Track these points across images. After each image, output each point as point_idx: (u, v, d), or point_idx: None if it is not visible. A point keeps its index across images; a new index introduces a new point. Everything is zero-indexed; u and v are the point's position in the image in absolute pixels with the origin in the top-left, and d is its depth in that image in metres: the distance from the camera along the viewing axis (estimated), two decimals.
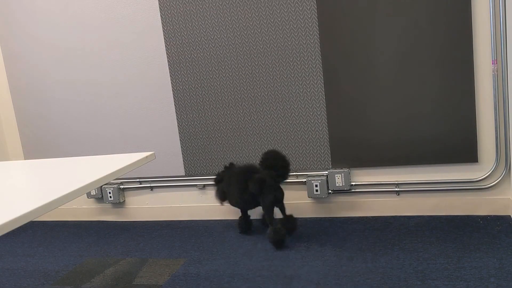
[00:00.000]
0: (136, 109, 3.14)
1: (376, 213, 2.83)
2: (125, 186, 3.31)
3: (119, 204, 3.37)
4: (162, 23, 2.96)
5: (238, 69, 2.87)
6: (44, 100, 3.36)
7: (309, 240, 2.60)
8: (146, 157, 1.75)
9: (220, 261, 2.47)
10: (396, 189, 2.76)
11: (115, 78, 3.14)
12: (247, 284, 2.18)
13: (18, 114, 3.47)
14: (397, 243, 2.41)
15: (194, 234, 2.92)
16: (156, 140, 3.15)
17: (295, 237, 2.66)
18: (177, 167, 3.13)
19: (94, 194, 3.36)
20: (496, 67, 2.47)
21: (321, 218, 2.91)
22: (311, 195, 2.87)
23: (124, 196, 3.35)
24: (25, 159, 3.53)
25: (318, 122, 2.80)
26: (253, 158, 2.95)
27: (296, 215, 2.98)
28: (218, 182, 2.85)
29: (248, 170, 2.64)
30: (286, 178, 2.60)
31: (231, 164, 2.81)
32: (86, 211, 3.48)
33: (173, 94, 3.03)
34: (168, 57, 2.99)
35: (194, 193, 3.16)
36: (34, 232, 3.36)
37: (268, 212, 2.55)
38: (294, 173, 2.92)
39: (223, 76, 2.91)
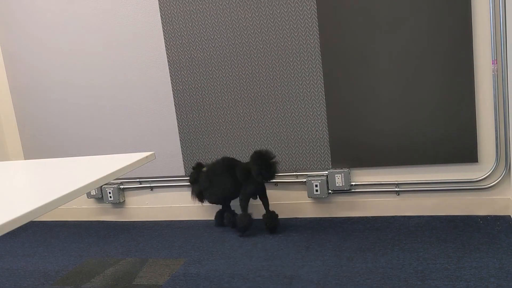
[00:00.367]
0: (136, 109, 3.14)
1: (376, 213, 2.83)
2: (125, 186, 3.31)
3: (119, 204, 3.37)
4: (162, 23, 2.96)
5: (238, 69, 2.87)
6: (44, 100, 3.36)
7: (309, 240, 2.60)
8: (146, 157, 1.75)
9: (220, 261, 2.47)
10: (396, 189, 2.76)
11: (115, 78, 3.14)
12: (247, 284, 2.18)
13: (18, 114, 3.47)
14: (397, 243, 2.41)
15: (194, 234, 2.92)
16: (156, 140, 3.15)
17: (295, 237, 2.66)
18: (177, 167, 3.13)
19: (94, 194, 3.36)
20: (496, 67, 2.47)
21: (321, 218, 2.91)
22: (311, 195, 2.87)
23: (124, 196, 3.35)
24: (25, 159, 3.53)
25: (318, 122, 2.80)
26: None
27: (296, 215, 2.98)
28: (192, 183, 2.91)
29: (233, 160, 2.78)
30: (273, 177, 2.66)
31: (199, 164, 2.90)
32: (86, 211, 3.48)
33: (173, 94, 3.03)
34: (168, 57, 2.99)
35: None
36: (34, 232, 3.36)
37: (245, 199, 2.72)
38: (294, 173, 2.92)
39: (223, 76, 2.91)
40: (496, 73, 2.48)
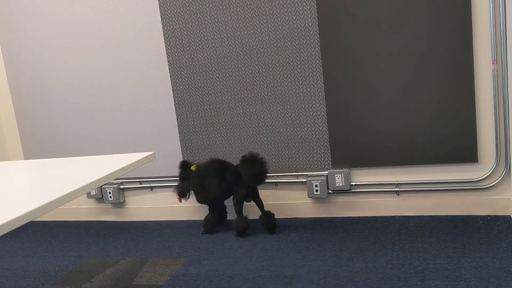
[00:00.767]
0: (136, 109, 3.14)
1: (376, 213, 2.83)
2: (125, 186, 3.31)
3: (119, 204, 3.37)
4: (162, 23, 2.96)
5: (238, 69, 2.87)
6: (44, 100, 3.36)
7: (309, 240, 2.60)
8: (146, 157, 1.75)
9: (220, 261, 2.47)
10: (396, 189, 2.76)
11: (115, 78, 3.14)
12: (247, 284, 2.18)
13: (18, 114, 3.47)
14: (397, 243, 2.41)
15: (194, 234, 2.92)
16: (156, 140, 3.15)
17: (295, 237, 2.66)
18: (177, 167, 3.13)
19: (94, 194, 3.36)
20: (496, 67, 2.47)
21: (321, 218, 2.91)
22: (311, 195, 2.87)
23: (124, 196, 3.35)
24: (25, 159, 3.53)
25: (318, 122, 2.80)
26: None
27: (296, 215, 2.98)
28: (183, 178, 2.91)
29: (223, 163, 2.80)
30: (263, 180, 2.68)
31: (185, 162, 2.91)
32: (86, 211, 3.48)
33: (173, 94, 3.03)
34: (168, 57, 2.99)
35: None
36: (34, 232, 3.36)
37: (239, 203, 2.74)
38: (294, 173, 2.92)
39: (223, 76, 2.91)
40: (496, 73, 2.48)
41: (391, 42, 2.59)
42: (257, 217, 2.94)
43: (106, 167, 1.61)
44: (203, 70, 2.94)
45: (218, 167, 2.79)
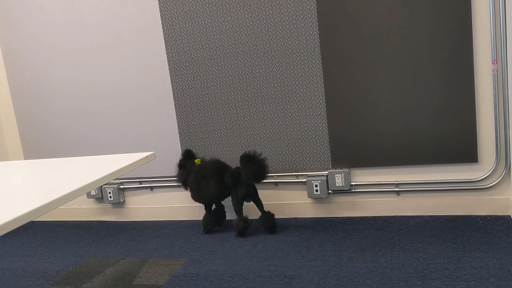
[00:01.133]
0: (136, 109, 3.14)
1: (376, 213, 2.83)
2: (125, 186, 3.31)
3: (119, 204, 3.37)
4: (162, 23, 2.96)
5: (238, 69, 2.87)
6: (44, 100, 3.36)
7: (309, 240, 2.60)
8: (146, 157, 1.75)
9: (220, 261, 2.47)
10: (396, 189, 2.76)
11: (115, 78, 3.14)
12: (247, 284, 2.18)
13: (18, 114, 3.47)
14: (397, 243, 2.41)
15: (194, 234, 2.92)
16: (156, 140, 3.15)
17: (295, 237, 2.66)
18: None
19: (94, 194, 3.36)
20: (496, 67, 2.47)
21: (321, 218, 2.91)
22: (311, 195, 2.87)
23: (124, 196, 3.35)
24: (25, 159, 3.53)
25: (318, 122, 2.80)
26: None
27: (296, 215, 2.98)
28: (180, 166, 2.93)
29: (223, 165, 2.80)
30: (264, 176, 2.69)
31: (189, 152, 2.94)
32: (86, 211, 3.48)
33: (173, 94, 3.03)
34: (168, 57, 2.99)
35: None
36: (34, 232, 3.36)
37: (238, 204, 2.74)
38: (294, 173, 2.92)
39: (223, 76, 2.91)
40: (496, 73, 2.48)
41: (391, 42, 2.59)
42: (257, 218, 2.94)
43: (106, 167, 1.61)
44: (203, 70, 2.94)
45: (217, 168, 2.79)
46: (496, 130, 2.53)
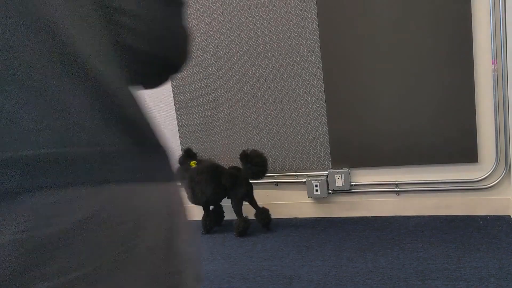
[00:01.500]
0: None
1: (376, 213, 2.83)
2: None
3: None
4: None
5: (238, 69, 2.87)
6: None
7: (309, 240, 2.60)
8: None
9: (220, 261, 2.47)
10: (396, 189, 2.76)
11: None
12: (247, 284, 2.17)
13: None
14: (397, 243, 2.41)
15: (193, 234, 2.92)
16: None
17: (295, 237, 2.66)
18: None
19: None
20: (496, 67, 2.47)
21: (321, 218, 2.91)
22: (311, 195, 2.87)
23: None
24: None
25: (318, 122, 2.80)
26: None
27: (296, 215, 2.98)
28: (180, 163, 2.97)
29: (219, 167, 2.81)
30: (264, 174, 2.71)
31: (188, 151, 2.96)
32: None
33: (173, 94, 3.03)
34: None
35: None
36: None
37: (238, 205, 2.76)
38: (294, 173, 2.92)
39: (223, 76, 2.91)
40: (496, 73, 2.48)
41: (391, 42, 2.59)
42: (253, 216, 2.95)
43: None
44: (203, 70, 2.94)
45: (211, 173, 2.78)
46: (496, 130, 2.53)
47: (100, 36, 0.60)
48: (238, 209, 2.77)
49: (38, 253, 0.50)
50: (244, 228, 2.75)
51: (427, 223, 2.62)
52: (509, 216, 2.58)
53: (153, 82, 0.74)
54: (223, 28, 2.85)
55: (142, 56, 0.66)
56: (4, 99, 0.50)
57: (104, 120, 0.56)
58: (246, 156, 2.67)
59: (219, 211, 2.98)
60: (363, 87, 2.69)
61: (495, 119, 2.52)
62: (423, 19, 2.52)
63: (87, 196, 0.52)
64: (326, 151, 2.83)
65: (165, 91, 3.04)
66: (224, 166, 2.87)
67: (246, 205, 2.96)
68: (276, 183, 2.98)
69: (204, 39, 2.89)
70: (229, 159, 3.00)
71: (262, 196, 3.00)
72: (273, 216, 2.99)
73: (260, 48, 2.81)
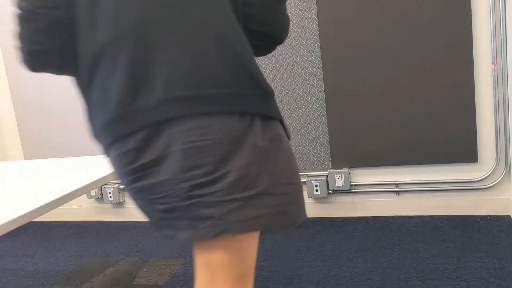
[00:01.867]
0: None
1: (376, 213, 2.83)
2: None
3: (119, 204, 3.37)
4: None
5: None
6: (44, 100, 3.36)
7: (309, 240, 2.60)
8: None
9: None
10: (396, 189, 2.76)
11: None
12: None
13: (18, 114, 3.47)
14: (397, 243, 2.41)
15: None
16: None
17: (295, 237, 2.66)
18: None
19: (94, 194, 3.36)
20: (496, 67, 2.47)
21: (321, 218, 2.91)
22: (311, 195, 2.87)
23: (124, 196, 3.35)
24: (25, 159, 3.53)
25: (318, 122, 2.80)
26: None
27: None
28: None
29: None
30: None
31: None
32: (86, 211, 3.48)
33: None
34: None
35: None
36: (34, 232, 3.36)
37: None
38: None
39: None
40: (496, 73, 2.48)
41: (391, 42, 2.59)
42: None
43: (106, 167, 1.62)
44: None
45: None
46: (496, 130, 2.53)
47: (234, 19, 0.98)
48: None
49: (195, 157, 0.86)
50: None
51: (427, 223, 2.62)
52: (509, 216, 2.58)
53: (264, 52, 1.14)
54: None
55: (260, 36, 1.07)
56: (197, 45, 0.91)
57: (238, 74, 0.93)
58: None
59: None
60: (363, 87, 2.69)
61: (495, 119, 2.52)
62: (423, 19, 2.52)
63: (220, 122, 0.88)
64: (326, 151, 2.83)
65: None
66: None
67: None
68: None
69: None
70: None
71: None
72: None
73: None
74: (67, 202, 1.29)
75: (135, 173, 0.93)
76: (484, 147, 2.58)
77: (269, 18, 1.05)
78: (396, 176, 2.76)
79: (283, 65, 2.79)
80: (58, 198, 1.26)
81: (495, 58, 2.46)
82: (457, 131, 2.59)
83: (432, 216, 2.71)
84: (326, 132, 2.80)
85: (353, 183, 2.83)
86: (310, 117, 2.81)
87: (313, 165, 2.87)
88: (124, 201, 3.35)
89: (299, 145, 2.87)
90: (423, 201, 2.74)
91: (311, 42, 2.72)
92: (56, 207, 1.25)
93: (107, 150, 1.00)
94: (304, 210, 1.03)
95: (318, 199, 2.92)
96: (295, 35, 2.74)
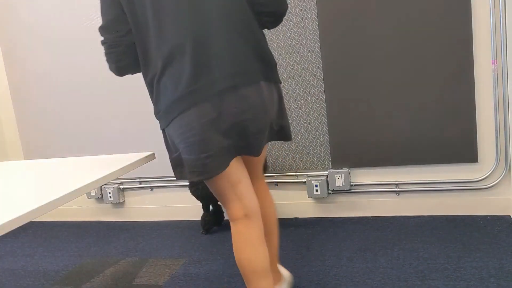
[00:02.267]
0: (136, 109, 3.14)
1: (376, 213, 2.83)
2: (125, 186, 3.31)
3: (119, 204, 3.37)
4: None
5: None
6: (44, 100, 3.36)
7: (309, 240, 2.60)
8: (146, 157, 1.75)
9: (220, 261, 2.47)
10: (396, 189, 2.76)
11: (115, 78, 3.14)
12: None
13: (18, 114, 3.48)
14: (397, 243, 2.41)
15: (194, 234, 2.92)
16: (156, 140, 3.14)
17: (295, 237, 2.66)
18: None
19: (94, 194, 3.36)
20: (496, 67, 2.47)
21: (321, 218, 2.91)
22: (311, 195, 2.87)
23: (124, 196, 3.35)
24: (25, 159, 3.53)
25: (318, 122, 2.80)
26: None
27: (296, 215, 2.98)
28: None
29: None
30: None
31: None
32: (86, 211, 3.48)
33: None
34: None
35: None
36: (34, 232, 3.36)
37: None
38: (294, 173, 2.92)
39: None
40: (496, 73, 2.48)
41: (391, 42, 2.59)
42: None
43: (106, 167, 1.61)
44: None
45: None
46: (496, 130, 2.53)
47: (246, 7, 1.54)
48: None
49: (246, 112, 1.50)
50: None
51: (427, 223, 2.62)
52: (509, 216, 2.58)
53: (273, 25, 1.67)
54: None
55: (266, 14, 1.60)
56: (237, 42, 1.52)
57: (251, 53, 1.54)
58: None
59: (219, 211, 2.97)
60: (363, 87, 2.69)
61: (495, 119, 2.52)
62: (423, 19, 2.52)
63: (252, 89, 1.52)
64: (326, 151, 2.83)
65: None
66: None
67: None
68: (276, 183, 2.98)
69: None
70: None
71: None
72: None
73: None
74: (67, 202, 1.29)
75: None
76: (484, 147, 2.58)
77: (273, 1, 1.60)
78: (396, 176, 2.76)
79: (283, 65, 2.79)
80: (58, 198, 1.26)
81: (495, 58, 2.47)
82: (457, 131, 2.59)
83: (432, 216, 2.71)
84: (326, 132, 2.80)
85: (353, 183, 2.83)
86: (310, 117, 2.81)
87: (313, 165, 2.87)
88: (124, 201, 3.36)
89: (299, 145, 2.87)
90: (423, 201, 2.74)
91: (311, 42, 2.72)
92: (56, 207, 1.25)
93: (175, 118, 1.50)
94: None
95: (318, 199, 2.92)
96: (295, 35, 2.74)
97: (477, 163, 2.61)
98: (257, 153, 1.58)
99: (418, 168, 2.71)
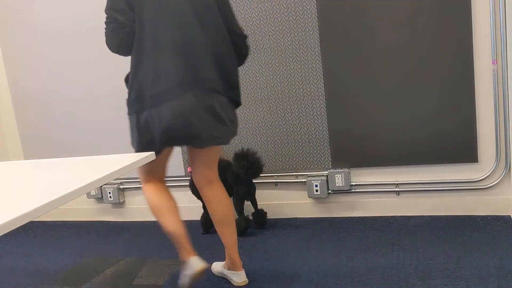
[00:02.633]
0: None
1: (376, 213, 2.83)
2: (125, 186, 3.31)
3: (119, 204, 3.37)
4: None
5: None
6: (44, 100, 3.36)
7: (309, 240, 2.60)
8: (146, 157, 1.75)
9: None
10: (396, 189, 2.76)
11: (115, 78, 3.14)
12: (247, 284, 2.17)
13: (18, 114, 3.47)
14: (397, 243, 2.41)
15: (194, 234, 2.92)
16: None
17: (295, 237, 2.66)
18: (177, 167, 3.13)
19: (94, 194, 3.36)
20: (496, 67, 2.47)
21: (321, 218, 2.91)
22: (311, 195, 2.87)
23: (124, 196, 3.35)
24: (25, 159, 3.53)
25: (318, 122, 2.80)
26: None
27: (296, 215, 2.98)
28: None
29: (226, 163, 2.81)
30: (260, 170, 2.71)
31: None
32: (86, 211, 3.48)
33: None
34: None
35: None
36: (34, 232, 3.36)
37: (240, 202, 2.76)
38: (294, 173, 2.92)
39: None
40: (496, 73, 2.48)
41: (391, 42, 2.59)
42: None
43: (106, 167, 1.61)
44: None
45: (220, 169, 2.78)
46: (496, 130, 2.53)
47: (229, 42, 1.98)
48: (239, 208, 2.77)
49: (210, 110, 1.89)
50: (244, 228, 2.75)
51: (427, 223, 2.62)
52: (509, 216, 2.58)
53: (240, 64, 2.09)
54: None
55: (241, 54, 2.07)
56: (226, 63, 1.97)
57: (221, 75, 1.93)
58: (238, 156, 2.68)
59: None
60: (363, 87, 2.69)
61: (495, 119, 2.52)
62: (423, 19, 2.52)
63: (213, 96, 1.90)
64: (326, 151, 2.83)
65: None
66: None
67: (247, 204, 2.96)
68: (276, 183, 2.98)
69: None
70: (229, 159, 3.00)
71: (262, 196, 3.00)
72: (273, 216, 2.99)
73: (260, 48, 2.81)
74: (67, 202, 1.29)
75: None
76: (484, 147, 2.58)
77: (243, 50, 2.07)
78: (396, 176, 2.76)
79: (283, 65, 2.79)
80: (58, 198, 1.26)
81: (495, 58, 2.47)
82: (457, 131, 2.59)
83: (432, 216, 2.71)
84: (326, 132, 2.80)
85: (353, 183, 2.83)
86: (310, 117, 2.81)
87: (313, 165, 2.87)
88: (124, 201, 3.36)
89: (299, 145, 2.87)
90: (423, 201, 2.74)
91: (311, 42, 2.72)
92: (56, 207, 1.25)
93: (157, 107, 1.82)
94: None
95: (318, 199, 2.92)
96: (295, 35, 2.74)
97: (477, 163, 2.61)
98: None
99: (418, 168, 2.71)
